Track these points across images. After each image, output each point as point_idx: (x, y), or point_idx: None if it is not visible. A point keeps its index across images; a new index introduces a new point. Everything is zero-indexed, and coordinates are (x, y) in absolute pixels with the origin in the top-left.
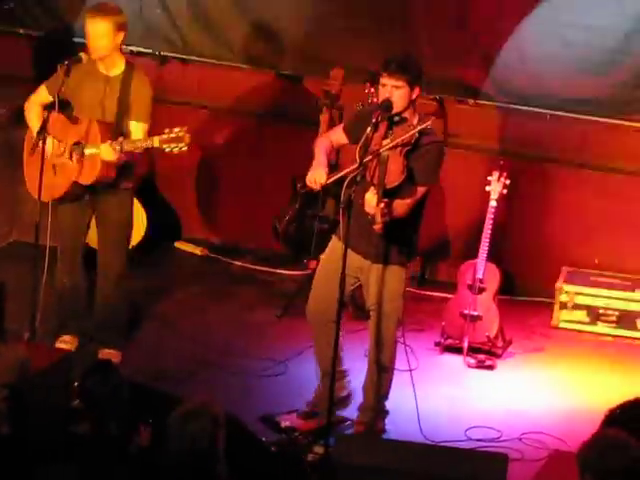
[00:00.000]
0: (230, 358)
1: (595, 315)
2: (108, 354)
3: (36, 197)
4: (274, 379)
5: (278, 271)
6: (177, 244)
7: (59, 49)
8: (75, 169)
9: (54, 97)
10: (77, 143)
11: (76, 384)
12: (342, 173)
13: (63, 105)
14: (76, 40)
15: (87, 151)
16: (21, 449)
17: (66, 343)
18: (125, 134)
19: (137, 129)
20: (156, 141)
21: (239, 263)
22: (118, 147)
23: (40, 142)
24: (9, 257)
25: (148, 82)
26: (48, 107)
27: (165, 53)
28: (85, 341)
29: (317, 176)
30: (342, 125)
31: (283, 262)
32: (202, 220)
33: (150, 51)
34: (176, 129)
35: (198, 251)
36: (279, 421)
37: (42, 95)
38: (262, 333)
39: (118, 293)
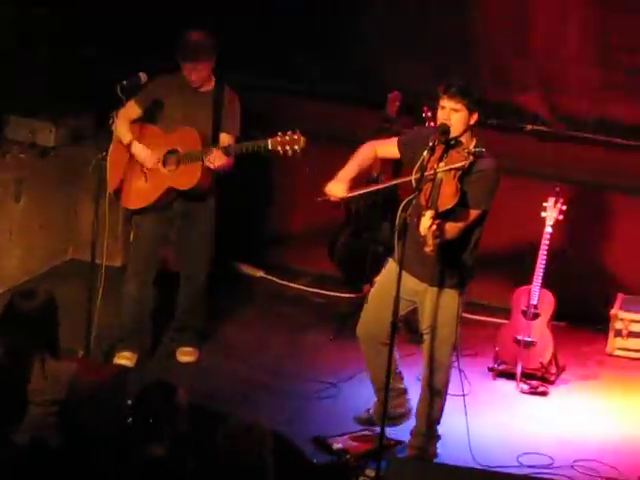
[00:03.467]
0: (283, 380)
1: None
2: (187, 352)
3: (124, 205)
4: (326, 401)
5: (332, 294)
6: (234, 265)
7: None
8: (170, 176)
9: (144, 110)
10: (172, 151)
11: (129, 402)
12: (362, 191)
13: (150, 118)
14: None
15: (189, 156)
16: (71, 462)
17: (125, 359)
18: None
19: (226, 140)
20: (269, 143)
21: (293, 285)
22: (226, 151)
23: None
24: (66, 275)
25: (238, 98)
26: (137, 121)
27: None
28: (144, 357)
29: (335, 189)
30: (396, 139)
31: (337, 285)
32: (258, 241)
33: None
34: (289, 132)
35: (255, 273)
36: (331, 443)
37: (131, 110)
38: (315, 355)
39: (201, 301)
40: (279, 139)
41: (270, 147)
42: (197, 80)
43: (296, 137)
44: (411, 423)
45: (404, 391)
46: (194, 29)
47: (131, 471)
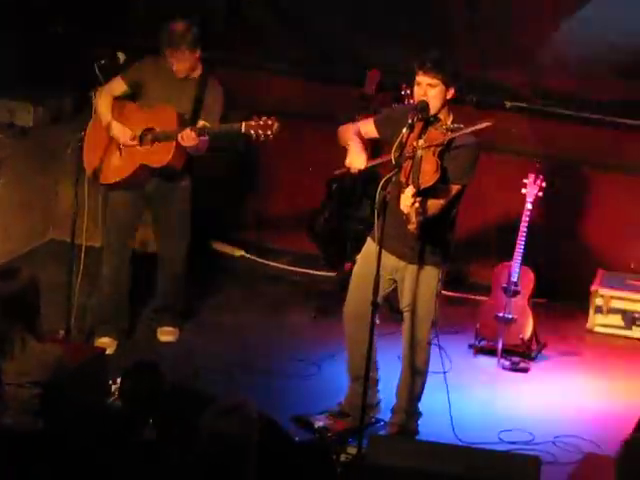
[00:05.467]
0: (264, 359)
1: (630, 319)
2: (167, 332)
3: (96, 179)
4: (308, 380)
5: (313, 272)
6: (213, 244)
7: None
8: (144, 153)
9: (129, 87)
10: (149, 129)
11: (110, 382)
12: (380, 160)
13: (132, 97)
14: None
15: (163, 134)
16: (54, 445)
17: (105, 345)
18: None
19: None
20: (243, 126)
21: (274, 264)
22: (200, 131)
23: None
24: (46, 255)
25: (222, 89)
26: (119, 98)
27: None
28: (123, 341)
29: (356, 161)
30: (373, 119)
31: (318, 263)
32: (238, 220)
33: None
34: (264, 117)
35: (235, 252)
36: (312, 421)
37: (116, 86)
38: (296, 334)
39: (179, 284)
40: (253, 123)
41: (243, 130)
42: (180, 70)
43: (270, 122)
44: (390, 403)
45: (376, 382)
46: (178, 18)
47: (128, 456)
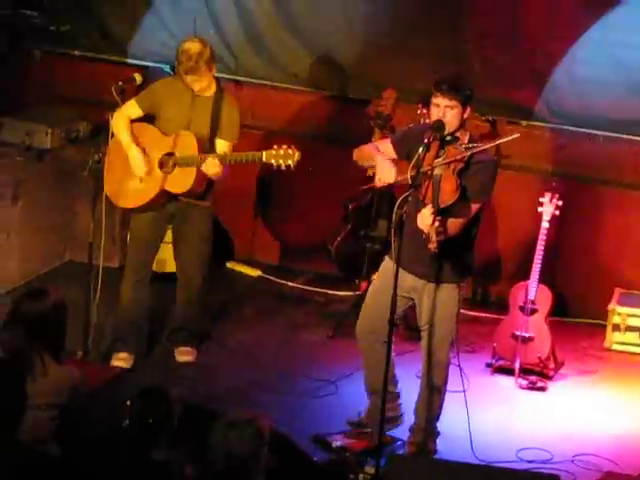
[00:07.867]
0: (281, 378)
1: None
2: (185, 352)
3: (116, 202)
4: (326, 399)
5: (330, 292)
6: (229, 264)
7: (113, 71)
8: (165, 178)
9: (144, 111)
10: (169, 154)
11: (128, 403)
12: (407, 174)
13: (149, 119)
14: (129, 62)
15: (185, 160)
16: (71, 470)
17: (121, 360)
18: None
19: (223, 147)
20: (264, 155)
21: (291, 284)
22: (222, 159)
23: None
24: (63, 277)
25: (238, 106)
26: (135, 120)
27: (218, 75)
28: (141, 358)
29: (386, 175)
30: (390, 139)
31: (335, 283)
32: (254, 241)
33: None
34: (284, 146)
35: (253, 272)
36: (330, 441)
37: (132, 109)
38: (314, 353)
39: (197, 304)
40: (274, 152)
41: (264, 159)
42: (200, 89)
43: (291, 152)
44: (410, 420)
45: (397, 395)
46: (192, 37)
47: (138, 476)
